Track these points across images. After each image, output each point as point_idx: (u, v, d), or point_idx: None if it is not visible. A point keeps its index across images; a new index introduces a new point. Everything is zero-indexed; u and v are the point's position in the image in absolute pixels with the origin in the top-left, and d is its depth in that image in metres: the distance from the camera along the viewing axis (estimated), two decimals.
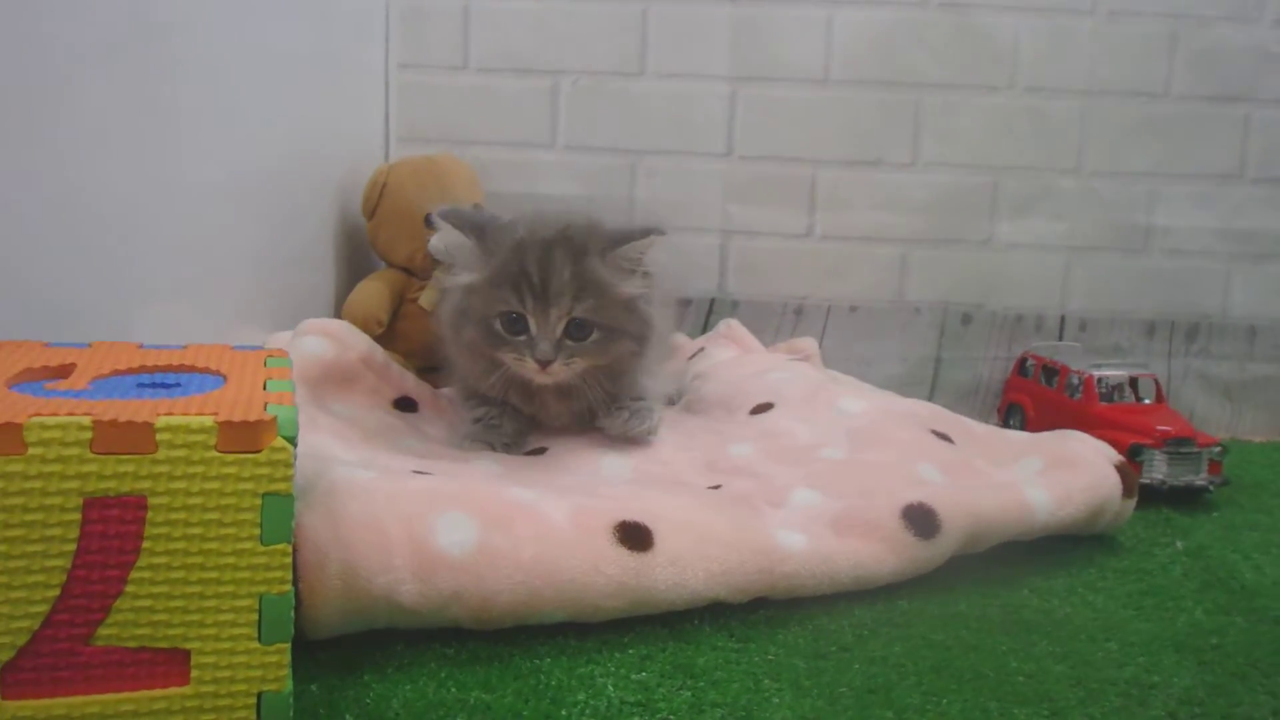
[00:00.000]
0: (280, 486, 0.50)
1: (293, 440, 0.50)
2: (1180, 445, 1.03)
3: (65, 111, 0.72)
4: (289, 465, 0.50)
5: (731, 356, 1.25)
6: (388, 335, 1.24)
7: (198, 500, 0.49)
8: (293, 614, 0.52)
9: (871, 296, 1.36)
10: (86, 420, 0.46)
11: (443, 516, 0.68)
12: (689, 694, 0.65)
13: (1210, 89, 1.27)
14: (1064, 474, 0.90)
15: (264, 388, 0.55)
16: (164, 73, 0.85)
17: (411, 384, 1.06)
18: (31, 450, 0.46)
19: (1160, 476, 1.02)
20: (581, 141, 1.36)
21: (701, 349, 1.30)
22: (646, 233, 0.91)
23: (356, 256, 1.28)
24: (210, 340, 0.84)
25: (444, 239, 1.19)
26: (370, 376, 1.02)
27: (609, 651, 0.70)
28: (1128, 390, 1.14)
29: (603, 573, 0.69)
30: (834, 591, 0.77)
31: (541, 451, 0.98)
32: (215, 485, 0.49)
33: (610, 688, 0.65)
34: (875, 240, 1.35)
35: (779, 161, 1.34)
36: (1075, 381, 1.14)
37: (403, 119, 1.37)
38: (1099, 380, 1.12)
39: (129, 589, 0.48)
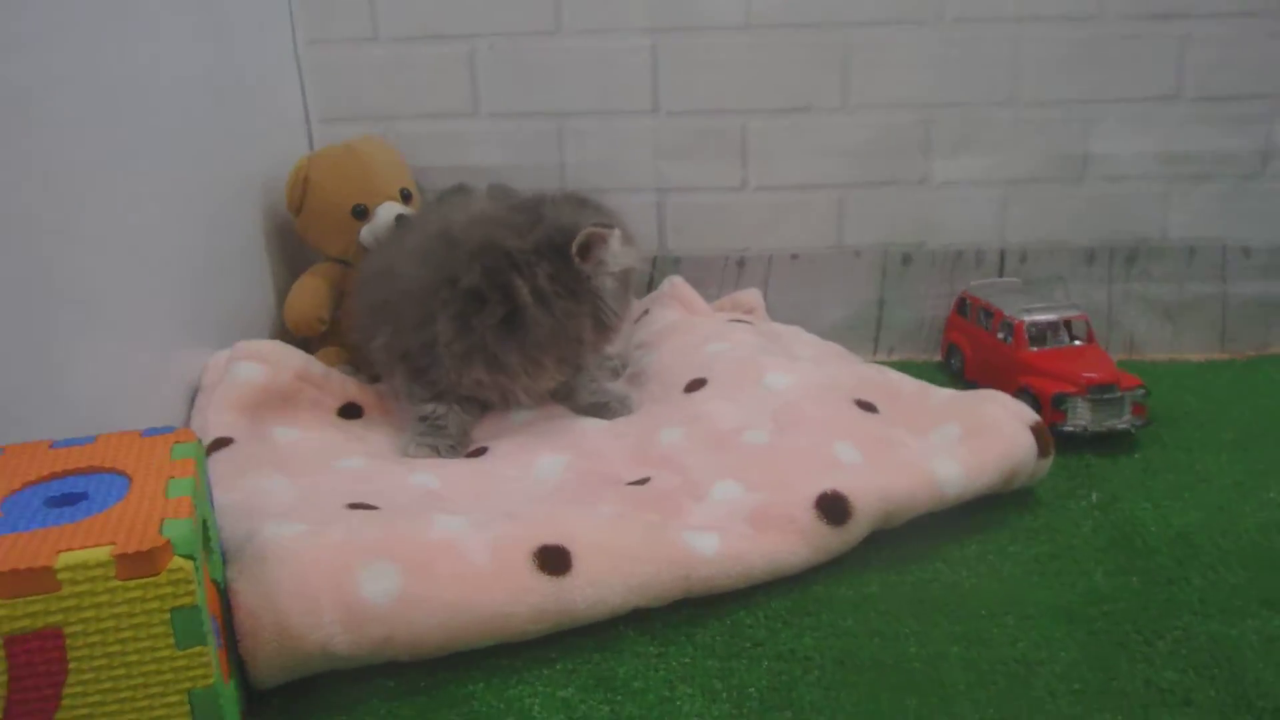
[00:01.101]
0: (185, 600, 0.55)
1: (192, 554, 0.56)
2: (1104, 391, 1.08)
3: None
4: (190, 581, 0.55)
5: (674, 321, 1.29)
6: (331, 331, 1.28)
7: (110, 624, 0.54)
8: (222, 700, 0.58)
9: (811, 244, 1.39)
10: None
11: (367, 568, 0.74)
12: (608, 708, 0.73)
13: (1146, 6, 1.27)
14: (979, 442, 0.96)
15: (165, 493, 0.60)
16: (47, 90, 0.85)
17: (354, 390, 1.11)
18: None
19: (1084, 424, 1.07)
20: (505, 108, 1.36)
21: (646, 311, 1.35)
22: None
23: (291, 252, 1.31)
24: (151, 363, 0.93)
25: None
26: (310, 390, 1.07)
27: (537, 669, 0.77)
28: (1062, 331, 1.18)
29: (524, 601, 0.76)
30: (750, 585, 0.84)
31: (482, 452, 1.03)
32: (123, 609, 0.54)
33: (536, 708, 0.73)
34: (811, 188, 1.37)
35: (707, 115, 1.35)
36: (1007, 328, 1.18)
37: (320, 99, 1.37)
38: (1029, 325, 1.16)
39: (65, 704, 0.54)
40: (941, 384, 1.23)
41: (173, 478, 0.63)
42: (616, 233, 1.04)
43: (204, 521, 0.68)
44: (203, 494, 0.69)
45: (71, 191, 0.86)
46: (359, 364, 1.24)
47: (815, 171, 1.36)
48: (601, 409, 1.10)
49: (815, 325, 1.34)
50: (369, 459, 0.99)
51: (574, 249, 1.02)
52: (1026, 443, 0.96)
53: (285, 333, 1.24)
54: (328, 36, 1.35)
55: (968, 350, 1.28)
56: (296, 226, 1.27)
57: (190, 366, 1.06)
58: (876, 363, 1.30)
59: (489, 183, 1.23)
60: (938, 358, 1.37)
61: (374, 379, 1.24)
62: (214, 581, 0.69)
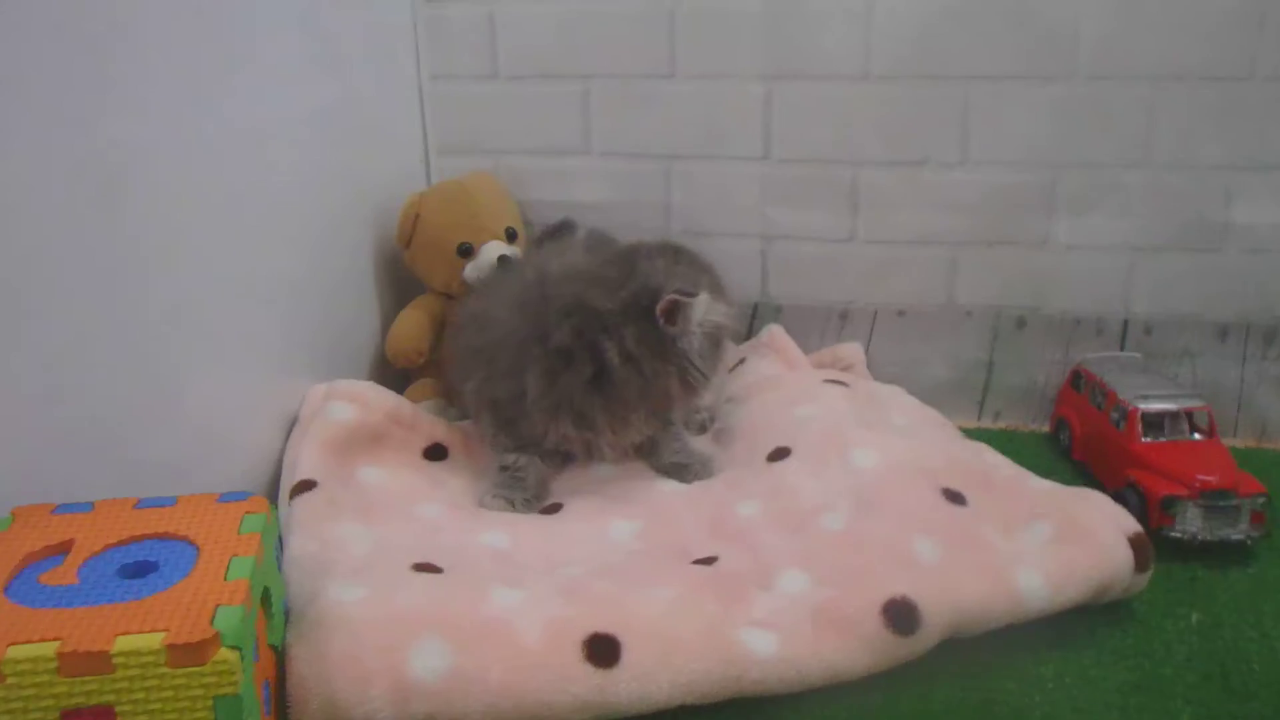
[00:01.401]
0: (228, 690, 0.58)
1: (239, 645, 0.58)
2: (1219, 498, 1.00)
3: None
4: (234, 672, 0.58)
5: (767, 375, 1.27)
6: (434, 362, 1.31)
7: (157, 705, 0.57)
8: None
9: (919, 300, 1.34)
10: (52, 651, 0.55)
11: (420, 643, 0.75)
12: None
13: None
14: (1070, 550, 0.90)
15: (225, 573, 0.63)
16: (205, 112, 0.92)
17: (441, 431, 1.13)
18: (10, 679, 0.55)
19: (1193, 531, 1.00)
20: (615, 147, 1.36)
21: (742, 360, 1.33)
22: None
23: (401, 284, 1.34)
24: (254, 389, 1.00)
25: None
26: (399, 431, 1.10)
27: None
28: (1182, 422, 1.09)
29: (568, 691, 0.75)
30: (804, 689, 0.81)
31: (557, 509, 1.04)
32: (170, 694, 0.57)
33: None
34: (922, 243, 1.31)
35: (818, 163, 1.31)
36: (1120, 412, 1.11)
37: (439, 132, 1.40)
38: (1145, 414, 1.09)
39: None
40: (1048, 460, 1.17)
41: (236, 556, 0.65)
42: (702, 297, 1.02)
43: (265, 589, 0.70)
44: (269, 561, 0.72)
45: (187, 223, 0.91)
46: (451, 398, 1.27)
47: (928, 226, 1.30)
48: (682, 470, 1.09)
49: (918, 385, 1.29)
50: (446, 507, 1.01)
51: (658, 313, 1.01)
52: (1123, 557, 0.90)
53: (386, 364, 1.28)
54: (450, 72, 1.38)
55: (1077, 428, 1.20)
56: (405, 260, 1.30)
57: (292, 394, 1.10)
58: (979, 429, 1.25)
59: (589, 229, 1.23)
60: (1046, 429, 1.30)
61: (464, 416, 1.27)
62: (271, 647, 0.72)
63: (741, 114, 1.31)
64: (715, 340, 1.09)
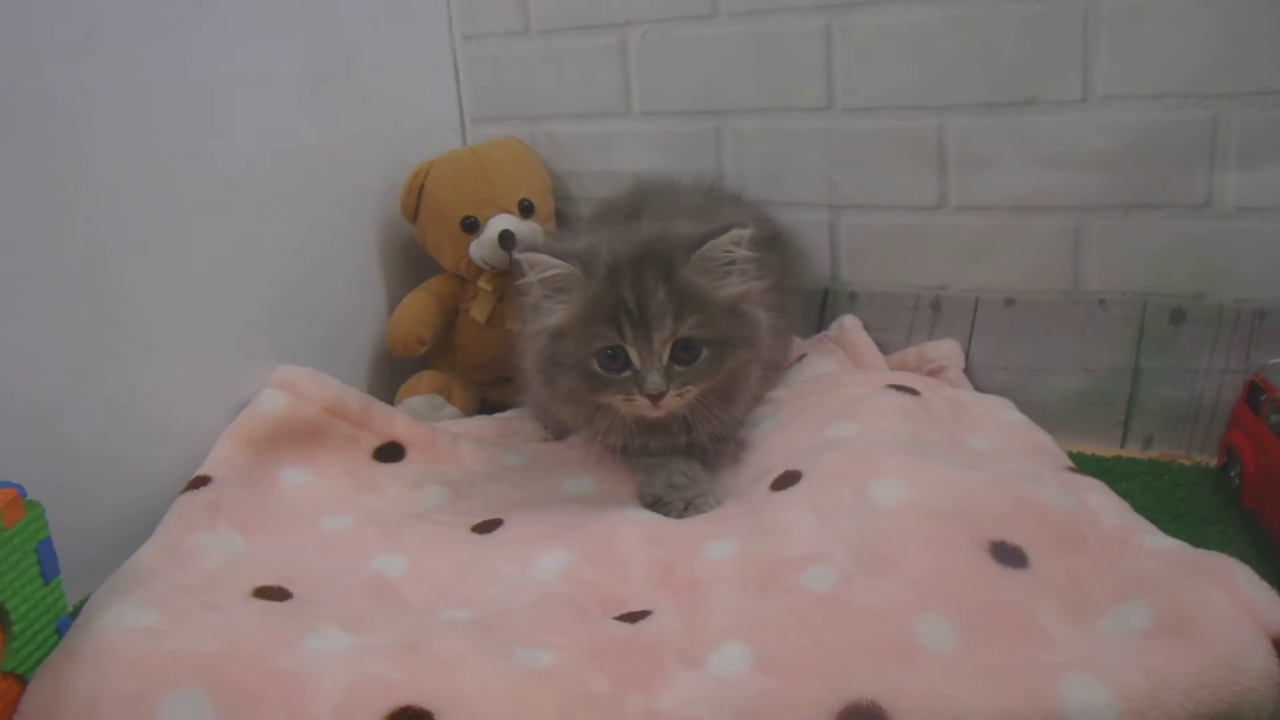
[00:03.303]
0: None
1: None
2: None
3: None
4: None
5: (818, 377, 0.98)
6: (445, 350, 1.13)
7: None
8: None
9: (1034, 286, 0.99)
10: None
11: (174, 696, 0.56)
12: None
13: None
14: (1169, 650, 0.57)
15: None
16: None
17: (400, 427, 0.94)
18: None
19: None
20: (658, 105, 1.12)
21: (802, 356, 1.04)
22: (727, 228, 0.78)
23: (416, 262, 1.17)
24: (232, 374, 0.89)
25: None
26: (343, 427, 0.91)
27: None
28: None
29: None
30: None
31: (494, 526, 0.82)
32: None
33: None
34: (1035, 209, 0.97)
35: (895, 111, 1.00)
36: None
37: (474, 98, 1.22)
38: None
39: None
40: (1207, 505, 0.82)
41: None
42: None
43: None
44: (8, 570, 0.56)
45: (147, 192, 0.82)
46: (450, 393, 1.08)
47: (1042, 187, 0.96)
48: (665, 507, 0.81)
49: (1036, 399, 0.95)
50: (360, 520, 0.81)
51: None
52: (1259, 667, 0.55)
53: (384, 352, 1.11)
54: (480, 31, 1.19)
55: (1249, 462, 0.82)
56: (416, 236, 1.13)
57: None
58: (1123, 460, 0.90)
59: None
60: (1214, 463, 0.91)
61: (465, 408, 1.07)
62: (13, 675, 0.56)
63: (796, 54, 1.02)
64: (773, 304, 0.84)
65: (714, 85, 1.07)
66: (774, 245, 0.99)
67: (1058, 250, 0.97)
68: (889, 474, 0.74)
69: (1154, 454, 0.94)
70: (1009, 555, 0.66)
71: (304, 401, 0.89)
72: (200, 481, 0.81)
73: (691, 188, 1.02)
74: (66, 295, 0.76)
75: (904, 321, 1.06)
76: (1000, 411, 0.92)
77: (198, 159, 0.87)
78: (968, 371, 1.01)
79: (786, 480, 0.78)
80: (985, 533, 0.67)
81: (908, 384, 0.92)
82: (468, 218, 1.06)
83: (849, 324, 1.05)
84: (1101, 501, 0.74)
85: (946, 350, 1.01)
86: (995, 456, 0.83)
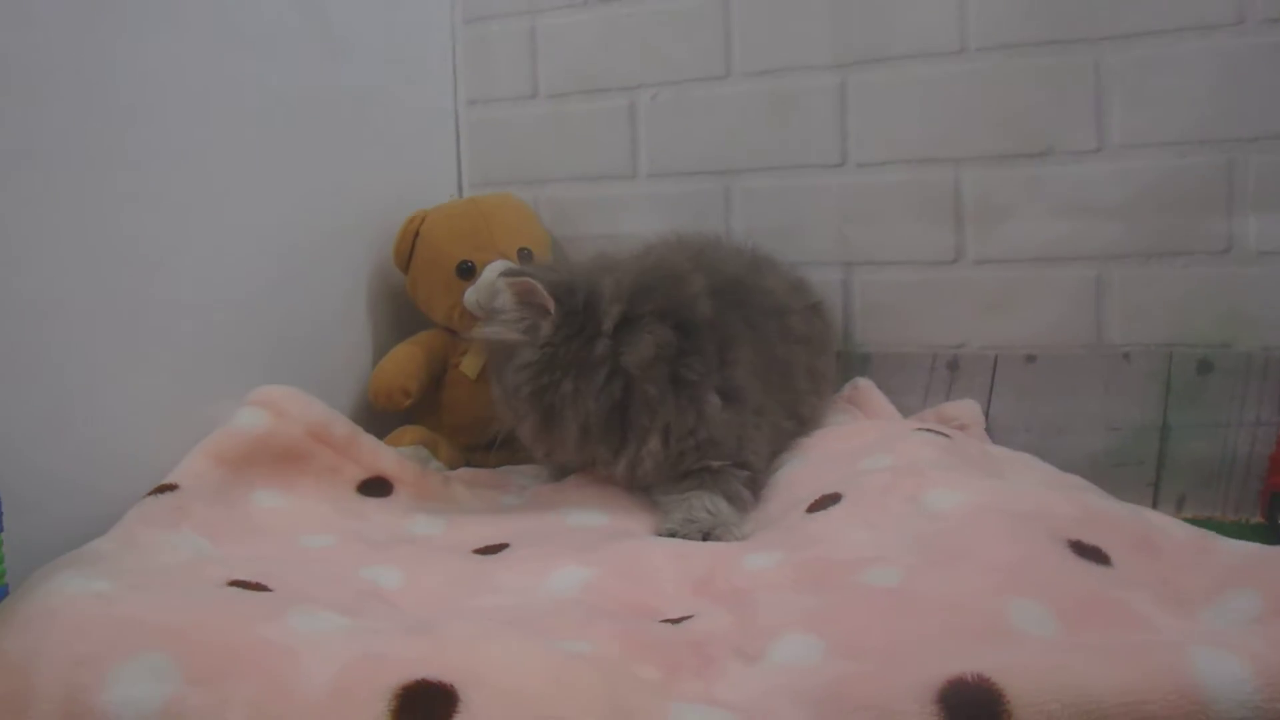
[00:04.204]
0: None
1: None
2: None
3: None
4: None
5: (842, 422, 0.98)
6: (430, 407, 1.11)
7: None
8: None
9: (1056, 339, 1.02)
10: None
11: (130, 662, 0.51)
12: None
13: None
14: None
15: None
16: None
17: (389, 462, 0.91)
18: None
19: None
20: (666, 166, 1.17)
21: None
22: None
23: (406, 318, 1.17)
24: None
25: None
26: (326, 454, 0.88)
27: None
28: None
29: None
30: None
31: (498, 550, 0.78)
32: None
33: None
34: (1054, 260, 1.01)
35: (910, 165, 1.06)
36: None
37: (475, 160, 1.27)
38: None
39: None
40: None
41: None
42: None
43: None
44: None
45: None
46: (438, 448, 1.05)
47: (1061, 237, 1.00)
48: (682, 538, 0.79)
49: (1058, 461, 0.94)
50: (344, 538, 0.77)
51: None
52: None
53: (368, 405, 1.09)
54: (488, 96, 1.25)
55: None
56: (407, 288, 1.14)
57: None
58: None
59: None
60: (1257, 518, 0.92)
61: (451, 465, 1.04)
62: None
63: (810, 111, 1.09)
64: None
65: (724, 145, 1.13)
66: (815, 314, 1.02)
67: (1079, 302, 1.00)
68: (941, 484, 0.73)
69: (1189, 514, 0.94)
70: (1090, 553, 0.64)
71: (286, 422, 0.86)
72: (166, 488, 0.77)
73: (732, 250, 1.04)
74: (19, 311, 0.73)
75: (920, 383, 1.07)
76: (1032, 464, 0.92)
77: (187, 187, 0.86)
78: (988, 433, 1.02)
79: (825, 502, 0.77)
80: (1061, 532, 0.66)
81: (935, 428, 0.92)
82: (464, 263, 1.07)
83: (862, 384, 1.07)
84: (1162, 517, 0.73)
85: (967, 409, 1.02)
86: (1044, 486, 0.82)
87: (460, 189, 1.26)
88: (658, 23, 1.14)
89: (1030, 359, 1.03)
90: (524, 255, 1.09)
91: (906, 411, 1.05)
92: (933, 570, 0.63)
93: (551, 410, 0.84)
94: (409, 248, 1.10)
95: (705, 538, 0.79)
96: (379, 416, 1.08)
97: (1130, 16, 0.95)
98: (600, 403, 0.83)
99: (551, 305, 0.83)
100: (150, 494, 0.76)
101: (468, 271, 1.07)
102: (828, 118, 1.08)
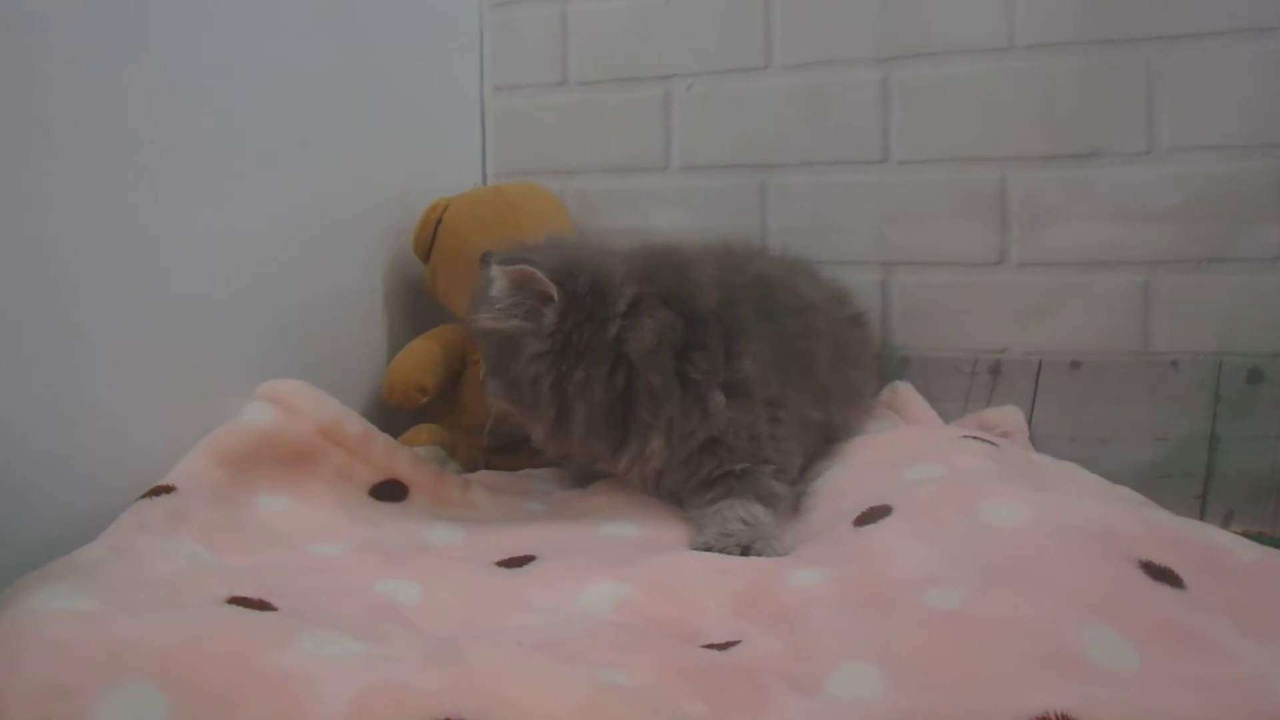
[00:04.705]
0: None
1: None
2: None
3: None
4: None
5: (882, 429, 0.99)
6: (447, 405, 1.10)
7: None
8: None
9: (1101, 346, 1.02)
10: None
11: (112, 691, 0.50)
12: None
13: None
14: None
15: None
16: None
17: (404, 463, 0.89)
18: None
19: None
20: (699, 159, 1.17)
21: None
22: None
23: (424, 310, 1.17)
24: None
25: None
26: (337, 454, 0.86)
27: None
28: None
29: None
30: None
31: (524, 562, 0.76)
32: None
33: None
34: (1100, 265, 1.02)
35: (953, 164, 1.06)
36: None
37: (499, 150, 1.27)
38: None
39: None
40: None
41: None
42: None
43: None
44: None
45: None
46: (455, 449, 1.05)
47: (1107, 242, 1.01)
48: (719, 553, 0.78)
49: (1102, 472, 0.95)
50: (356, 548, 0.75)
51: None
52: None
53: (381, 402, 1.08)
54: (515, 82, 1.26)
55: None
56: (425, 276, 1.14)
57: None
58: None
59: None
60: None
61: (469, 467, 1.03)
62: None
63: (851, 106, 1.09)
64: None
65: (761, 139, 1.14)
66: (856, 325, 1.02)
67: (1126, 308, 1.01)
68: (998, 496, 0.72)
69: (1236, 529, 0.94)
70: (1163, 575, 0.63)
71: (296, 418, 0.84)
72: (161, 490, 0.75)
73: (766, 254, 1.05)
74: (21, 294, 0.71)
75: (960, 388, 1.08)
76: (1078, 474, 0.92)
77: (198, 168, 0.85)
78: (1030, 441, 1.02)
79: (874, 515, 0.76)
80: (1129, 551, 0.65)
81: (982, 435, 0.92)
82: (489, 254, 1.07)
83: (901, 389, 1.07)
84: (1227, 536, 0.73)
85: (1009, 415, 1.03)
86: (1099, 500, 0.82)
87: (484, 178, 1.26)
88: (695, 11, 1.15)
89: (1075, 365, 1.04)
90: None
91: (946, 417, 1.05)
92: (997, 592, 0.62)
93: (565, 400, 0.83)
94: (430, 237, 1.10)
95: (744, 552, 0.77)
96: (393, 414, 1.07)
97: (1182, 17, 0.97)
98: (605, 394, 0.82)
99: (554, 291, 0.81)
100: (145, 495, 0.74)
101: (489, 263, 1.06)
102: (869, 113, 1.09)
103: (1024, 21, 1.02)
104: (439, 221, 1.09)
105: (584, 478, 0.95)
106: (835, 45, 1.09)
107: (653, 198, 1.19)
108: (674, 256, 0.88)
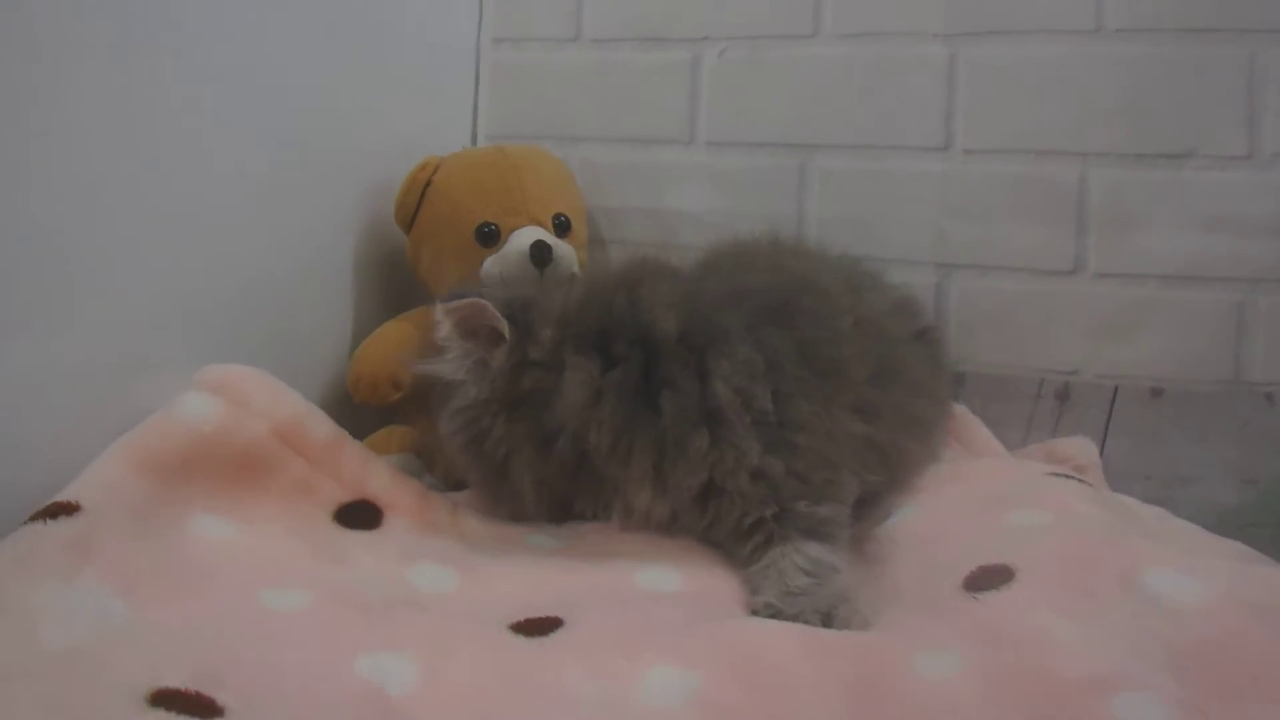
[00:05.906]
0: None
1: None
2: None
3: None
4: None
5: (949, 461, 0.92)
6: (424, 403, 1.00)
7: None
8: None
9: (1188, 373, 0.98)
10: None
11: None
12: None
13: None
14: None
15: None
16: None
17: (380, 481, 0.77)
18: None
19: None
20: (729, 134, 1.11)
21: None
22: None
23: (401, 289, 1.08)
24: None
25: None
26: (297, 464, 0.74)
27: None
28: None
29: None
30: None
31: (553, 627, 0.64)
32: None
33: None
34: (1191, 280, 0.98)
35: (1025, 156, 1.02)
36: None
37: (495, 110, 1.19)
38: None
39: None
40: None
41: None
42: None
43: None
44: None
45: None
46: (434, 458, 0.93)
47: (1198, 254, 0.97)
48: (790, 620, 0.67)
49: (1189, 511, 0.91)
50: (327, 598, 0.63)
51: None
52: None
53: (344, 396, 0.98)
54: (520, 35, 1.18)
55: None
56: (406, 248, 1.04)
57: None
58: None
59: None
60: None
61: (456, 486, 0.92)
62: None
63: (911, 84, 1.05)
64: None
65: (803, 115, 1.08)
66: (924, 341, 0.95)
67: (1217, 330, 0.97)
68: (1158, 562, 0.64)
69: None
70: None
71: (246, 416, 0.71)
72: (61, 509, 0.61)
73: (828, 260, 0.97)
74: None
75: (1021, 413, 1.02)
76: (1169, 521, 0.86)
77: (143, 102, 0.74)
78: (1105, 477, 0.97)
79: (991, 578, 0.66)
80: None
81: (1067, 472, 0.86)
82: (486, 225, 0.97)
83: (960, 412, 1.01)
84: None
85: (1082, 447, 0.96)
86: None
87: (474, 138, 1.18)
88: None
89: (1155, 393, 0.99)
90: (559, 223, 1.01)
91: (1008, 444, 0.99)
92: (1217, 705, 0.54)
93: (492, 461, 0.75)
94: (415, 201, 1.00)
95: (826, 622, 0.66)
96: (358, 412, 0.96)
97: None
98: (546, 450, 0.74)
99: (505, 329, 0.74)
100: (35, 518, 0.60)
101: (490, 237, 0.98)
102: (932, 93, 1.04)
103: (1115, 3, 0.98)
104: (428, 183, 1.00)
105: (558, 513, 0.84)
106: (897, 15, 1.05)
107: (672, 175, 1.12)
108: (631, 275, 0.79)
